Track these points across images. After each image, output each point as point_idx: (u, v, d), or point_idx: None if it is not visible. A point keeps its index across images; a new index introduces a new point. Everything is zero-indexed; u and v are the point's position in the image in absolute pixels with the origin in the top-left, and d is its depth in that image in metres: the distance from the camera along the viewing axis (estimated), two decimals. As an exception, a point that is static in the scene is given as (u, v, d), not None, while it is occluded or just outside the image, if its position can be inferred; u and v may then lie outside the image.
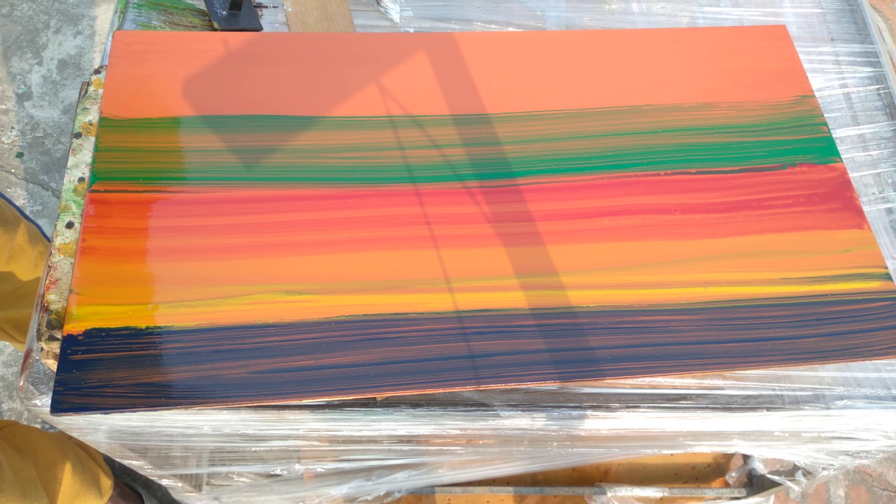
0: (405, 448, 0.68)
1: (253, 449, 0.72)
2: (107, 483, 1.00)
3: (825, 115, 0.65)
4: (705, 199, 0.55)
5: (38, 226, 0.98)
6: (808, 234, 0.54)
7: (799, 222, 0.55)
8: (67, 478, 0.87)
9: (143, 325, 0.45)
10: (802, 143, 0.59)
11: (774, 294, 0.51)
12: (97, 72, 0.56)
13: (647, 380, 0.56)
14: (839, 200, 0.56)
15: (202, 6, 0.67)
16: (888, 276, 0.53)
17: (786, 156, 0.58)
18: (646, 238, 0.53)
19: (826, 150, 0.59)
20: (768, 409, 0.55)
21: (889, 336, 0.50)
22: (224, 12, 0.65)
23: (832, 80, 0.70)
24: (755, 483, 1.01)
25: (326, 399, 0.46)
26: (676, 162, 0.57)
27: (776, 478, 0.92)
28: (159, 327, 0.46)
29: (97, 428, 0.57)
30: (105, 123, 0.53)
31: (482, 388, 0.46)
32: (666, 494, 0.99)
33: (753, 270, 0.52)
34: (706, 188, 0.56)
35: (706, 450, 0.69)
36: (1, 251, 0.88)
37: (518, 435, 0.62)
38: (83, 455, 0.93)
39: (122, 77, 0.55)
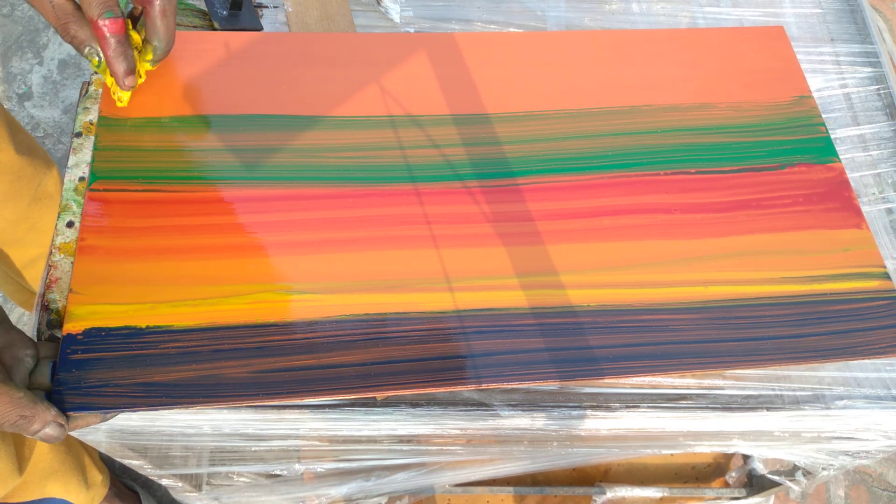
0: (405, 448, 0.68)
1: (253, 449, 0.72)
2: (96, 477, 0.98)
3: (825, 116, 0.65)
4: (705, 199, 0.55)
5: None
6: (807, 234, 0.54)
7: (798, 222, 0.55)
8: (43, 449, 0.85)
9: (143, 325, 0.45)
10: (801, 143, 0.59)
11: (774, 293, 0.52)
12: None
13: (647, 379, 0.56)
14: (837, 200, 0.56)
15: (203, 6, 0.67)
16: (887, 276, 0.53)
17: (784, 156, 0.58)
18: (646, 237, 0.53)
19: (824, 150, 0.59)
20: (768, 409, 0.55)
21: (888, 335, 0.50)
22: (224, 12, 0.65)
23: (832, 80, 0.71)
24: (755, 483, 1.01)
25: (328, 398, 0.46)
26: (676, 162, 0.57)
27: (776, 478, 0.92)
28: (159, 326, 0.45)
29: (97, 427, 0.57)
30: (104, 122, 0.53)
31: (483, 387, 0.46)
32: (666, 494, 0.99)
33: (753, 270, 0.52)
34: (705, 188, 0.56)
35: (706, 450, 0.69)
36: (26, 187, 0.82)
37: (518, 435, 0.62)
38: (73, 441, 0.91)
39: None
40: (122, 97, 0.52)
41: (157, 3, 0.46)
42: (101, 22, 0.44)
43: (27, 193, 0.84)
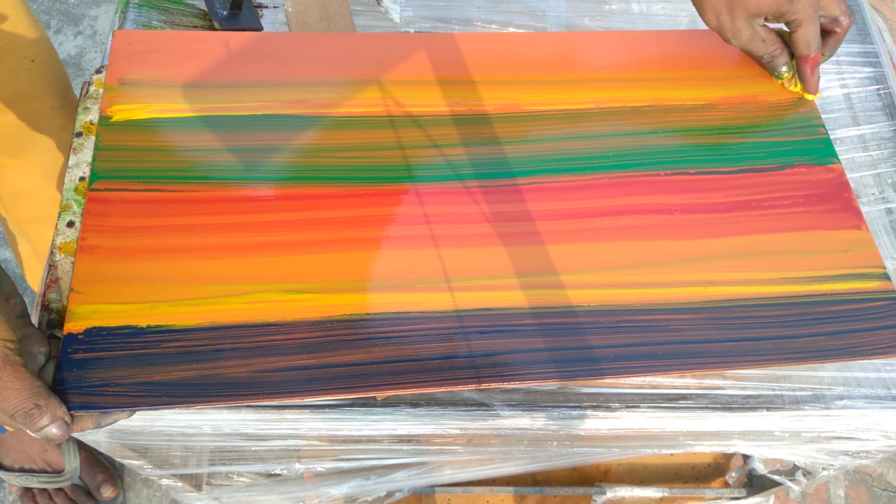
0: (405, 448, 0.68)
1: (253, 448, 0.72)
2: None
3: (825, 116, 0.65)
4: (705, 200, 0.55)
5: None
6: (807, 235, 0.54)
7: (798, 222, 0.55)
8: None
9: (143, 324, 0.45)
10: (801, 145, 0.59)
11: (774, 293, 0.52)
12: (98, 71, 0.57)
13: (647, 379, 0.56)
14: (837, 201, 0.56)
15: (203, 6, 0.67)
16: (886, 276, 0.53)
17: (784, 157, 0.58)
18: (646, 238, 0.53)
19: (824, 151, 0.59)
20: (768, 409, 0.55)
21: (887, 335, 0.50)
22: (224, 12, 0.65)
23: (832, 80, 0.71)
24: (755, 483, 1.01)
25: (328, 398, 0.46)
26: (676, 162, 0.57)
27: (776, 478, 0.92)
28: (160, 326, 0.46)
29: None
30: (105, 122, 0.53)
31: (483, 387, 0.46)
32: (666, 494, 0.99)
33: (753, 270, 0.52)
34: (706, 188, 0.56)
35: (706, 450, 0.69)
36: None
37: (518, 435, 0.62)
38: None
39: (122, 76, 0.55)
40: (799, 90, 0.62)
41: (843, 28, 0.58)
42: (812, 56, 0.59)
43: None
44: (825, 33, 0.59)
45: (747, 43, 0.60)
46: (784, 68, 0.61)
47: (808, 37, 0.57)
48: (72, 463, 1.00)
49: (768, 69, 0.61)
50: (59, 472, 0.99)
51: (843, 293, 0.52)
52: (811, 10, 0.56)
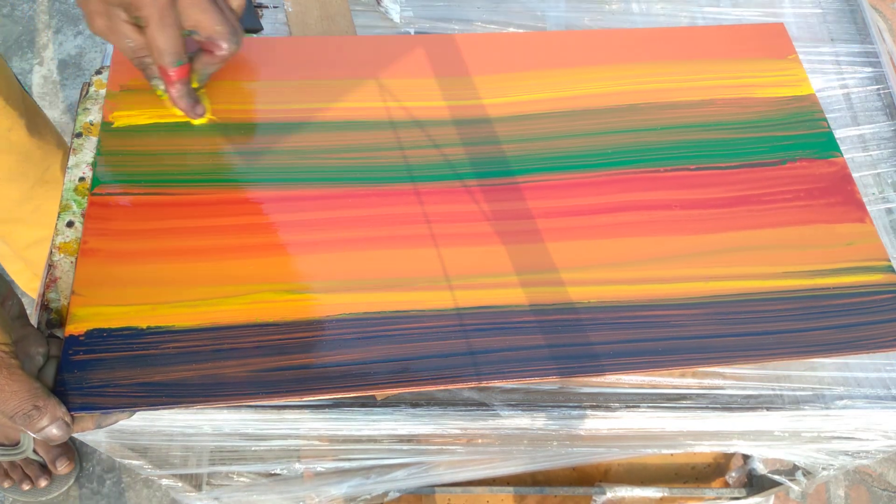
0: (405, 447, 0.68)
1: (253, 448, 0.72)
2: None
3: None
4: (705, 195, 0.55)
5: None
6: (810, 228, 0.54)
7: (800, 216, 0.55)
8: None
9: (144, 325, 0.46)
10: (802, 139, 0.59)
11: (776, 288, 0.51)
12: (98, 72, 0.57)
13: (648, 379, 0.56)
14: (840, 194, 0.56)
15: (203, 6, 0.67)
16: (891, 269, 0.53)
17: (785, 151, 0.58)
18: (646, 234, 0.53)
19: (826, 144, 0.59)
20: (768, 409, 0.55)
21: (892, 328, 0.50)
22: (224, 12, 0.65)
23: (832, 80, 0.71)
24: (755, 483, 1.01)
25: (328, 397, 0.46)
26: (676, 158, 0.57)
27: (776, 478, 0.92)
28: (160, 327, 0.46)
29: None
30: (107, 128, 0.53)
31: (483, 384, 0.46)
32: (666, 494, 0.99)
33: (755, 265, 0.52)
34: (706, 184, 0.56)
35: (706, 450, 0.69)
36: (34, 168, 0.82)
37: (518, 434, 0.62)
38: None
39: (123, 82, 0.55)
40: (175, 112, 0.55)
41: (223, 54, 0.51)
42: (170, 70, 0.50)
43: (33, 175, 0.84)
44: (203, 51, 0.52)
45: (106, 35, 0.49)
46: (157, 82, 0.53)
47: (155, 42, 0.48)
48: (28, 436, 1.00)
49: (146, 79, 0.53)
50: (14, 444, 0.98)
51: (847, 286, 0.52)
52: (155, 11, 0.46)
